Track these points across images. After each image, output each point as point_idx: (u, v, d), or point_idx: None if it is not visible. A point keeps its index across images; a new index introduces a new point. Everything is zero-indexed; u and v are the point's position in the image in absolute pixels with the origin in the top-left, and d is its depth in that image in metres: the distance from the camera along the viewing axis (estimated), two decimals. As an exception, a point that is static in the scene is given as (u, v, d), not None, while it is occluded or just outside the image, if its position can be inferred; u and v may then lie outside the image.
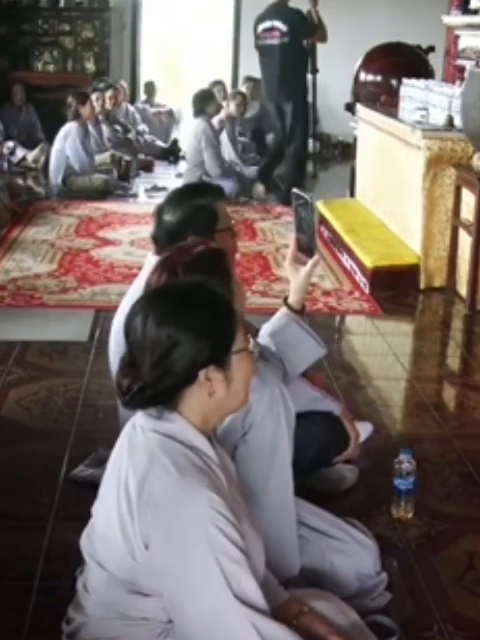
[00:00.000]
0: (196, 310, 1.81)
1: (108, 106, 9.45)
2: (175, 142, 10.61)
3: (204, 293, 1.86)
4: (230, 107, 8.69)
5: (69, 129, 8.30)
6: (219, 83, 10.43)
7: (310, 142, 10.50)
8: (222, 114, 8.63)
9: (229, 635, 1.70)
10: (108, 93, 9.48)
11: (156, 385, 1.78)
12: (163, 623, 1.81)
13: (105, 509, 1.85)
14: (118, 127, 9.79)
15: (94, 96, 9.03)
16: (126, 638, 1.83)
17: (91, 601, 1.90)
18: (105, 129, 9.28)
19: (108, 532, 1.82)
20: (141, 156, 9.74)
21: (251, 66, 11.11)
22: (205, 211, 2.74)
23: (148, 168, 9.60)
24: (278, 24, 8.01)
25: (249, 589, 1.72)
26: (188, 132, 8.61)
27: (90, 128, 8.70)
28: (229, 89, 10.45)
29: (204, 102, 8.24)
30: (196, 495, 1.72)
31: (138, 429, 1.85)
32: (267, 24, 8.09)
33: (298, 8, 8.10)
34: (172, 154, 10.33)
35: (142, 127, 10.57)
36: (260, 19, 8.19)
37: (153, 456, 1.78)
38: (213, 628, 1.70)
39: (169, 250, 2.40)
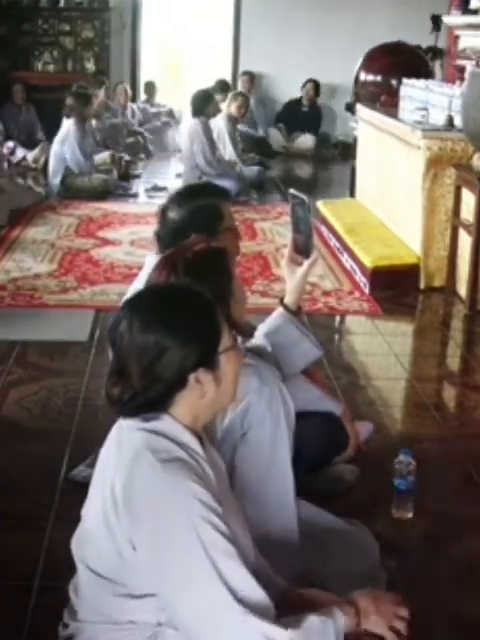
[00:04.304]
0: (181, 314, 1.79)
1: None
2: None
3: (187, 295, 1.85)
4: (231, 108, 8.69)
5: (68, 131, 8.22)
6: (225, 84, 10.35)
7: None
8: (222, 114, 8.63)
9: (228, 627, 1.69)
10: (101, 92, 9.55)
11: (146, 393, 1.77)
12: (152, 626, 1.79)
13: (93, 510, 1.84)
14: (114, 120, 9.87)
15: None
16: None
17: (81, 606, 1.90)
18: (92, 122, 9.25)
19: (96, 532, 1.81)
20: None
21: (251, 65, 11.16)
22: (210, 210, 2.73)
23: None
24: None
25: (242, 578, 1.70)
26: (183, 134, 8.61)
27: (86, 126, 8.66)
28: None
29: (202, 103, 8.23)
30: (179, 489, 1.71)
31: (124, 429, 1.84)
32: None
33: None
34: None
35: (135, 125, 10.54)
36: None
37: (138, 453, 1.76)
38: (211, 622, 1.69)
39: (171, 248, 2.40)
